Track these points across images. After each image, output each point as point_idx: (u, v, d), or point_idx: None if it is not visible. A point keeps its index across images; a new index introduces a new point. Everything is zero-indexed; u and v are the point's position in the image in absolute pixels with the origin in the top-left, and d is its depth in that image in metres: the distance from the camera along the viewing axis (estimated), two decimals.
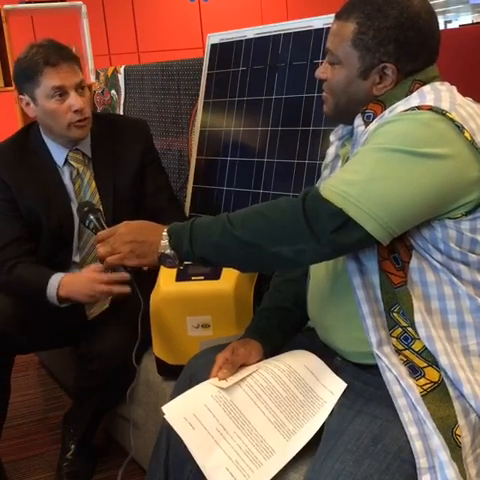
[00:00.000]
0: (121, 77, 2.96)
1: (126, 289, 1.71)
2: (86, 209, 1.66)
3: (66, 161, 2.04)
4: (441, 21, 11.39)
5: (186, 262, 1.32)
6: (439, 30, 1.31)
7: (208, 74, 2.35)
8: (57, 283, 1.86)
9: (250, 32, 2.21)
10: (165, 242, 1.28)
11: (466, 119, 1.17)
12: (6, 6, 3.36)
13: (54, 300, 1.87)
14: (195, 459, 1.25)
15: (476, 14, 10.90)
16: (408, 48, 1.26)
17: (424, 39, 1.27)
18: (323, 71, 1.35)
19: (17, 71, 1.98)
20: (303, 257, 1.20)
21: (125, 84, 2.94)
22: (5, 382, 1.98)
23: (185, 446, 1.26)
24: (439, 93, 1.22)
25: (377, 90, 1.29)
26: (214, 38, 2.35)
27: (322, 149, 1.89)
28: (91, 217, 1.64)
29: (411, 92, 1.26)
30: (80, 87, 1.95)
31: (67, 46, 1.99)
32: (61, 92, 1.92)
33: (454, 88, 1.27)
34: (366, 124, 1.29)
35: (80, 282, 1.84)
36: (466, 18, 11.16)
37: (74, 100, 1.92)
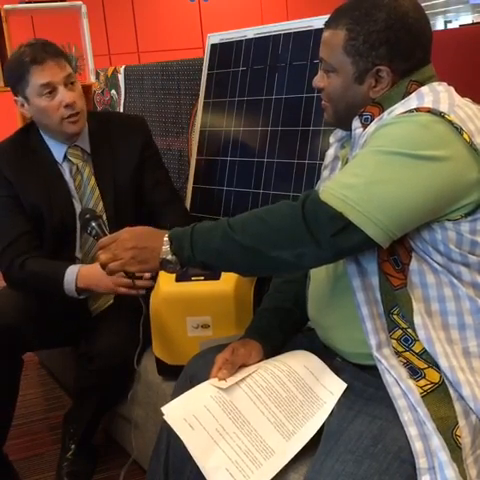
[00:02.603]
0: (121, 77, 2.96)
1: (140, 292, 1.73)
2: (88, 216, 1.66)
3: (65, 157, 2.05)
4: (441, 21, 11.40)
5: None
6: (430, 27, 1.30)
7: (208, 74, 2.35)
8: (75, 275, 1.87)
9: (250, 32, 2.21)
10: (166, 248, 1.28)
11: (465, 120, 1.17)
12: (6, 6, 3.36)
13: (72, 292, 1.88)
14: (195, 460, 1.25)
15: (476, 14, 10.92)
16: (400, 48, 1.25)
17: (415, 38, 1.26)
18: (319, 80, 1.35)
19: (8, 73, 2.01)
20: (303, 261, 1.20)
21: (125, 84, 2.94)
22: (15, 382, 1.97)
23: (185, 446, 1.26)
24: (438, 94, 1.21)
25: (374, 93, 1.28)
26: (214, 38, 2.35)
27: (322, 149, 1.89)
28: (93, 224, 1.64)
29: (409, 93, 1.25)
30: (69, 82, 1.96)
31: (54, 43, 2.00)
32: (50, 89, 1.93)
33: (452, 89, 1.27)
34: (364, 126, 1.29)
35: (99, 275, 1.79)
36: (466, 18, 11.19)
37: (63, 95, 1.93)
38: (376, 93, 1.28)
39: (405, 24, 1.24)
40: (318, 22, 1.94)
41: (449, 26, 10.97)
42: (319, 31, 1.95)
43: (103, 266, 1.36)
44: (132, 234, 1.34)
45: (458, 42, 1.78)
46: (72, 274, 1.88)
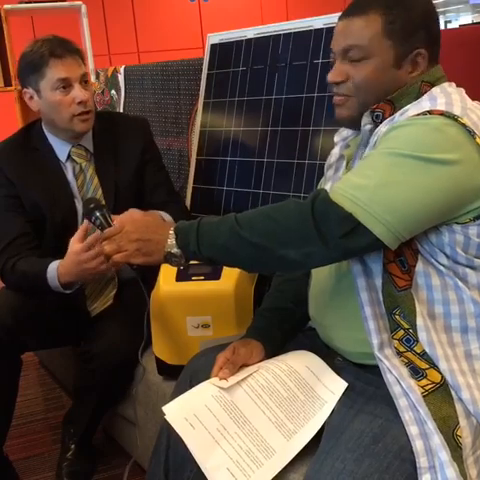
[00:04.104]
0: (121, 77, 2.96)
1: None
2: (92, 205, 1.65)
3: (69, 157, 2.05)
4: (441, 21, 11.39)
5: (192, 261, 1.32)
6: None
7: (208, 74, 2.35)
8: (55, 274, 1.85)
9: (250, 32, 2.21)
10: (172, 241, 1.28)
11: (477, 124, 1.17)
12: (6, 6, 3.36)
13: (58, 288, 1.86)
14: (196, 459, 1.25)
15: (476, 14, 10.90)
16: (433, 34, 1.29)
17: (439, 30, 1.30)
18: (338, 73, 1.30)
19: (22, 64, 1.98)
20: (311, 260, 1.20)
21: (125, 84, 2.94)
22: (15, 382, 1.97)
23: (185, 446, 1.26)
24: (450, 96, 1.21)
25: (410, 79, 1.28)
26: (214, 38, 2.36)
27: (322, 149, 1.89)
28: (97, 214, 1.63)
29: (421, 94, 1.25)
30: (84, 80, 1.97)
31: (72, 41, 2.01)
32: (65, 84, 1.93)
33: (462, 90, 1.27)
34: (375, 124, 1.28)
35: (74, 266, 1.80)
36: (466, 18, 11.17)
37: (78, 92, 1.94)
38: (412, 79, 1.28)
39: (435, 15, 1.29)
40: (318, 22, 1.95)
41: (449, 26, 10.96)
42: (319, 31, 1.97)
43: (107, 257, 1.36)
44: (137, 226, 1.33)
45: (458, 42, 1.78)
46: (53, 271, 1.85)
